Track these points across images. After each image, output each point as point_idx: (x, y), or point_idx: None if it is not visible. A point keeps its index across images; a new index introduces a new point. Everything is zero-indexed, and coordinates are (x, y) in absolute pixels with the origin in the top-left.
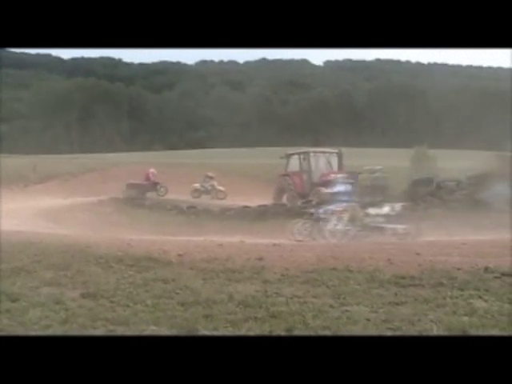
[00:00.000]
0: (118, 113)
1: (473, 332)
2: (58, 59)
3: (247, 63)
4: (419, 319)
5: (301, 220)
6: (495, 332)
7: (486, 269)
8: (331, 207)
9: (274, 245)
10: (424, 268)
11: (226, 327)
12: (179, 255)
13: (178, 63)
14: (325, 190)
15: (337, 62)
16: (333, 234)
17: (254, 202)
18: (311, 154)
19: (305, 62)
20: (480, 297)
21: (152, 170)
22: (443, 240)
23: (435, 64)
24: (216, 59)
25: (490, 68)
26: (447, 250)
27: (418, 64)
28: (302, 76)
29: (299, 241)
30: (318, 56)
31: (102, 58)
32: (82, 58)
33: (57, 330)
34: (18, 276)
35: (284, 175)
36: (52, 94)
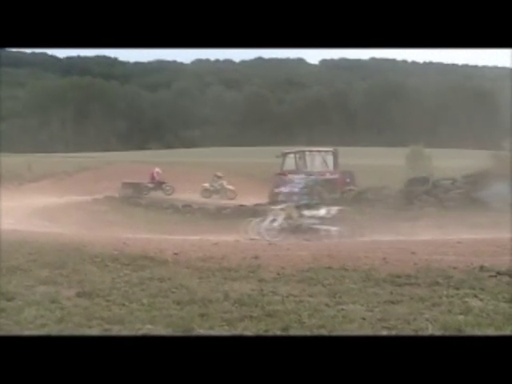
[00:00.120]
0: (113, 112)
1: (468, 331)
2: (54, 58)
3: (243, 62)
4: (415, 318)
5: (254, 219)
6: (491, 331)
7: (482, 268)
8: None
9: (270, 244)
10: (419, 267)
11: (222, 326)
12: (175, 254)
13: (174, 62)
14: (276, 190)
15: (332, 60)
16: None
17: (250, 201)
18: (307, 153)
19: (301, 60)
20: (475, 296)
21: (157, 169)
22: (439, 239)
23: (431, 63)
24: (212, 58)
25: (485, 67)
26: (443, 249)
27: (414, 63)
28: (297, 75)
29: (252, 239)
30: (314, 55)
31: (97, 57)
32: (78, 57)
33: (52, 329)
34: (13, 275)
35: (280, 174)
36: (47, 92)
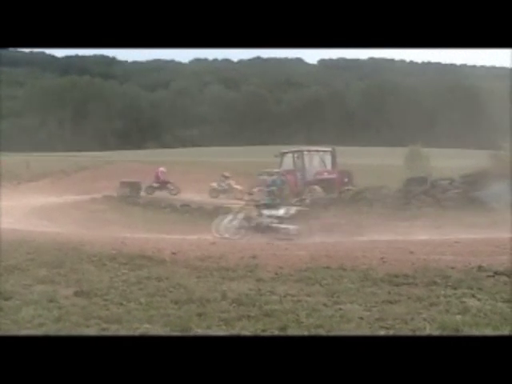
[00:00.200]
0: (111, 111)
1: (466, 331)
2: (52, 57)
3: (241, 61)
4: (412, 318)
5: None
6: (488, 331)
7: (480, 267)
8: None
9: (268, 243)
10: (417, 267)
11: (220, 325)
12: (173, 253)
13: (172, 61)
14: (253, 190)
15: (331, 60)
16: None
17: None
18: (305, 153)
19: (299, 60)
20: (473, 295)
21: (162, 168)
22: (436, 239)
23: (429, 63)
24: (210, 58)
25: (483, 67)
26: (440, 249)
27: (412, 63)
28: (296, 74)
29: (223, 237)
30: (313, 55)
31: (95, 56)
32: (76, 56)
33: (50, 329)
34: (11, 274)
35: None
36: (46, 91)
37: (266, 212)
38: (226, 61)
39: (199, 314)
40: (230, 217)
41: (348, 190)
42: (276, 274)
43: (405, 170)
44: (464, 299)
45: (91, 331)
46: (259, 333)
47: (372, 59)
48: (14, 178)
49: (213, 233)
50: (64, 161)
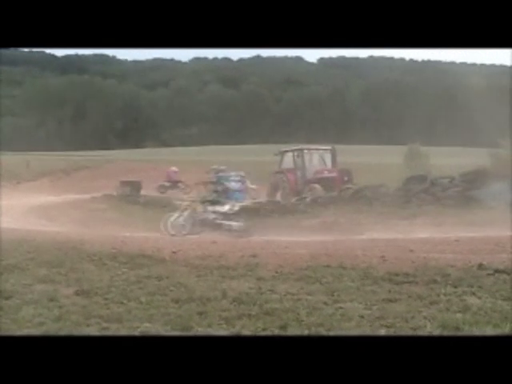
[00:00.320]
0: (111, 110)
1: (466, 329)
2: (51, 56)
3: (241, 60)
4: (413, 316)
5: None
6: (489, 329)
7: (480, 266)
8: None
9: (268, 242)
10: (417, 265)
11: (220, 324)
12: (173, 252)
13: (172, 60)
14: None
15: (331, 59)
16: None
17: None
18: (305, 151)
19: (299, 59)
20: (473, 294)
21: (173, 168)
22: (436, 237)
23: (429, 61)
24: (210, 56)
25: (483, 65)
26: (441, 247)
27: (412, 61)
28: (296, 73)
29: (173, 235)
30: (312, 53)
31: (95, 55)
32: (75, 55)
33: (50, 328)
34: (11, 273)
35: (278, 172)
36: (45, 91)
37: (210, 208)
38: (226, 60)
39: (200, 313)
40: (176, 214)
41: (348, 188)
42: (276, 272)
43: (404, 168)
44: (464, 297)
45: (92, 330)
46: (260, 331)
47: (372, 58)
48: (13, 178)
49: (162, 231)
50: (64, 160)
